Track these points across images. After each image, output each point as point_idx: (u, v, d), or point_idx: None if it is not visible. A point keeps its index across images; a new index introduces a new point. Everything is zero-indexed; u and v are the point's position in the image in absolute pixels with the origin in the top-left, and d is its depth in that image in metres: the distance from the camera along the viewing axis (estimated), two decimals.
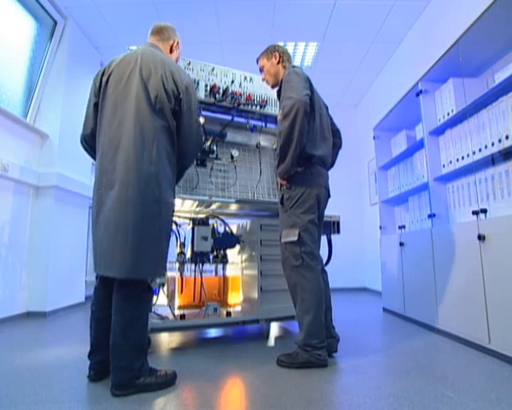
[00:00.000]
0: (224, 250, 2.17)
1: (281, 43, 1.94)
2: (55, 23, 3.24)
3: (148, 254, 1.30)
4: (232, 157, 2.37)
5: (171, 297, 2.09)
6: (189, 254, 2.06)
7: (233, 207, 2.21)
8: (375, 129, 3.38)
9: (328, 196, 1.81)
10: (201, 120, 2.08)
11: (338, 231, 2.24)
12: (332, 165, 1.95)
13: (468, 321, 1.89)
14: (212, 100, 2.20)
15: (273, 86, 1.89)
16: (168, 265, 1.58)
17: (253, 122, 2.47)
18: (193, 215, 2.19)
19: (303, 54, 4.05)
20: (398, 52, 3.85)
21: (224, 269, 2.28)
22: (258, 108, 2.35)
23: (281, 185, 1.73)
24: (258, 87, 2.36)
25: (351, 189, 5.05)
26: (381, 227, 3.24)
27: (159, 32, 1.61)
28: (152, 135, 1.34)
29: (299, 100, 1.53)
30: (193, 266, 2.05)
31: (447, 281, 2.09)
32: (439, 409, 1.14)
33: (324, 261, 1.94)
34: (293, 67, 1.76)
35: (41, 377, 1.43)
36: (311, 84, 1.70)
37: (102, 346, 1.34)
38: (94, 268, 1.38)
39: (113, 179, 1.31)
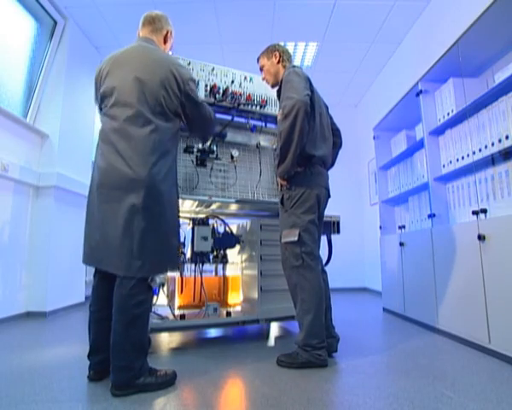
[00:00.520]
0: (224, 250, 2.17)
1: (281, 43, 1.93)
2: (55, 23, 3.24)
3: (156, 251, 1.33)
4: (232, 157, 2.37)
5: (171, 297, 2.09)
6: (189, 254, 2.06)
7: (233, 207, 2.21)
8: (375, 129, 3.38)
9: (329, 196, 1.81)
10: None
11: (338, 231, 2.24)
12: (332, 165, 1.95)
13: (468, 321, 1.89)
14: (212, 100, 2.19)
15: (273, 86, 1.89)
16: None
17: (253, 122, 2.47)
18: (193, 215, 2.19)
19: (303, 54, 4.05)
20: (398, 52, 3.85)
21: (223, 269, 2.28)
22: (258, 108, 2.35)
23: (281, 186, 1.73)
24: (259, 87, 2.35)
25: (351, 189, 5.05)
26: (381, 227, 3.24)
27: (151, 22, 1.58)
28: (154, 136, 1.35)
29: (299, 100, 1.53)
30: (193, 266, 2.05)
31: (447, 281, 2.09)
32: (438, 409, 1.13)
33: (324, 261, 1.94)
34: (294, 66, 1.76)
35: (41, 377, 1.43)
36: (311, 84, 1.70)
37: (102, 346, 1.34)
38: (85, 261, 1.39)
39: (117, 178, 1.32)
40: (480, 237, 1.76)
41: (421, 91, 2.50)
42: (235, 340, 2.19)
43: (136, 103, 1.35)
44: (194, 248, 2.00)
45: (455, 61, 2.16)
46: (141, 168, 1.30)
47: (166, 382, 1.34)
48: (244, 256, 2.30)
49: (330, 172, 1.86)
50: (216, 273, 2.34)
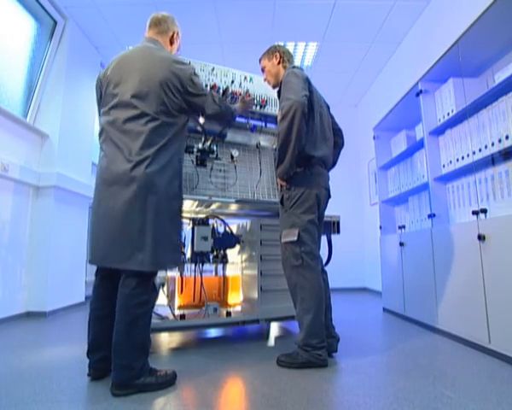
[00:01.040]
0: (224, 250, 2.17)
1: (281, 44, 1.93)
2: (55, 23, 3.24)
3: (164, 246, 1.34)
4: (232, 157, 2.37)
5: (171, 297, 2.09)
6: (189, 254, 2.06)
7: (233, 207, 2.20)
8: (375, 129, 3.38)
9: (329, 196, 1.81)
10: (201, 120, 2.09)
11: (338, 231, 2.24)
12: (334, 164, 1.95)
13: (468, 321, 1.89)
14: None
15: (274, 87, 1.90)
16: None
17: (253, 122, 2.48)
18: (193, 215, 2.19)
19: (303, 54, 4.05)
20: (398, 52, 3.85)
21: (223, 269, 2.28)
22: (258, 108, 2.35)
23: (281, 186, 1.73)
24: (258, 87, 2.35)
25: (351, 189, 5.05)
26: (381, 227, 3.24)
27: (157, 24, 1.58)
28: (155, 130, 1.35)
29: (296, 101, 1.53)
30: (193, 266, 2.05)
31: (447, 281, 2.09)
32: (438, 409, 1.13)
33: (324, 261, 1.94)
34: (294, 67, 1.76)
35: (41, 377, 1.43)
36: (310, 85, 1.70)
37: (102, 344, 1.34)
38: (91, 259, 1.39)
39: (115, 174, 1.32)
40: (480, 237, 1.76)
41: (421, 91, 2.50)
42: (235, 340, 2.19)
43: (140, 104, 1.35)
44: (194, 248, 2.00)
45: (455, 61, 2.16)
46: (135, 160, 1.31)
47: (166, 382, 1.34)
48: (244, 256, 2.30)
49: (330, 173, 1.86)
50: (216, 273, 2.34)
